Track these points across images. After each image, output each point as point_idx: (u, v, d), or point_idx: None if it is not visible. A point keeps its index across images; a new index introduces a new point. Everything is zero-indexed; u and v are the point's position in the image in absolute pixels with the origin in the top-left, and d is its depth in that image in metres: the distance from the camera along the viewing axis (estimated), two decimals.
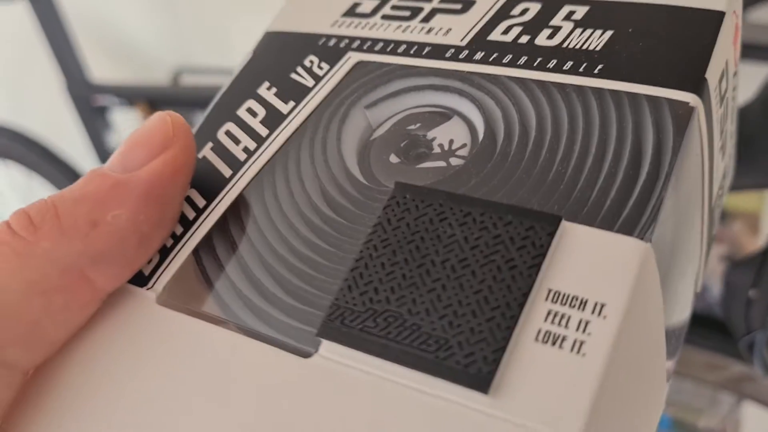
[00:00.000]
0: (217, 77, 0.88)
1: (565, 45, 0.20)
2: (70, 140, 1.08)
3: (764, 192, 0.70)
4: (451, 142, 0.19)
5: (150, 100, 0.87)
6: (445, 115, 0.20)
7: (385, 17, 0.23)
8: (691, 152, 0.18)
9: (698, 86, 0.18)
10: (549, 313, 0.15)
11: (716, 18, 0.19)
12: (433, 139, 0.19)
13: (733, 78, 0.22)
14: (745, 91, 0.40)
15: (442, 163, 0.18)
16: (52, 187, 1.01)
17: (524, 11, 0.21)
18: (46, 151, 1.00)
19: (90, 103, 0.91)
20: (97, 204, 0.17)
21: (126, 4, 1.07)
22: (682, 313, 0.20)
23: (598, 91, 0.18)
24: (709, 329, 0.54)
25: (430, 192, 0.17)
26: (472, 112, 0.19)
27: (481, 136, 0.19)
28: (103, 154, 0.95)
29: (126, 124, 0.98)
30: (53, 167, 1.00)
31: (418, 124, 0.20)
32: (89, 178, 0.18)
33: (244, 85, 0.22)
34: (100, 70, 1.01)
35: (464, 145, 0.19)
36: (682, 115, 0.17)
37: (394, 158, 0.19)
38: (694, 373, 0.58)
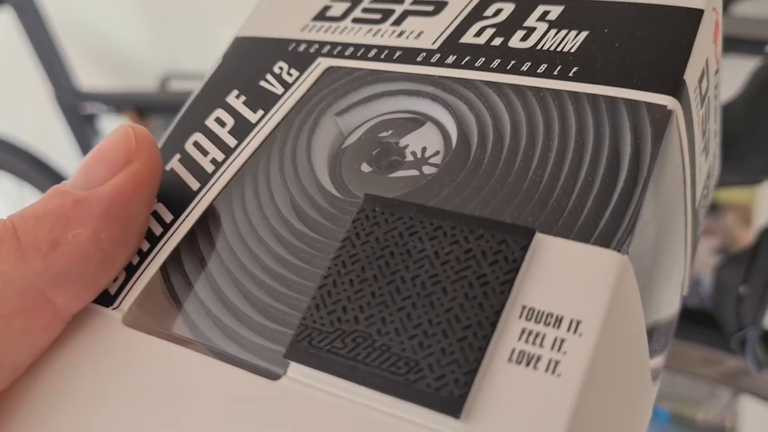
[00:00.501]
0: None
1: (539, 47, 0.19)
2: (59, 149, 1.08)
3: (752, 188, 0.69)
4: (423, 149, 0.18)
5: (138, 106, 0.86)
6: (417, 121, 0.19)
7: (355, 20, 0.22)
8: (670, 157, 0.17)
9: (676, 88, 0.17)
10: (523, 332, 0.14)
11: (694, 16, 0.18)
12: (406, 146, 0.18)
13: (715, 76, 0.21)
14: (730, 86, 0.40)
15: (414, 172, 0.18)
16: None
17: (498, 12, 0.21)
18: (37, 160, 0.99)
19: (78, 111, 0.91)
20: (57, 223, 0.17)
21: (113, 10, 1.06)
22: (669, 309, 0.20)
23: (575, 95, 0.18)
24: (703, 324, 0.54)
25: (400, 204, 0.17)
26: (445, 118, 0.19)
27: (454, 142, 0.18)
28: None
29: None
30: (44, 176, 0.99)
31: (390, 131, 0.19)
32: (50, 196, 0.17)
33: (213, 93, 0.22)
34: (87, 77, 1.00)
35: (437, 153, 0.18)
36: (660, 119, 0.17)
37: (366, 167, 0.18)
38: (690, 368, 0.58)
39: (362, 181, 0.18)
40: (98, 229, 0.17)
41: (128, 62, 1.11)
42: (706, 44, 0.19)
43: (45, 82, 0.90)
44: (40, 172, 0.99)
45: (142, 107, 0.86)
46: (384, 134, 0.19)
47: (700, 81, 0.19)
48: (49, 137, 1.10)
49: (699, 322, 0.54)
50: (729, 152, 0.39)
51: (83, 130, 0.92)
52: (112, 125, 0.97)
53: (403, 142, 0.19)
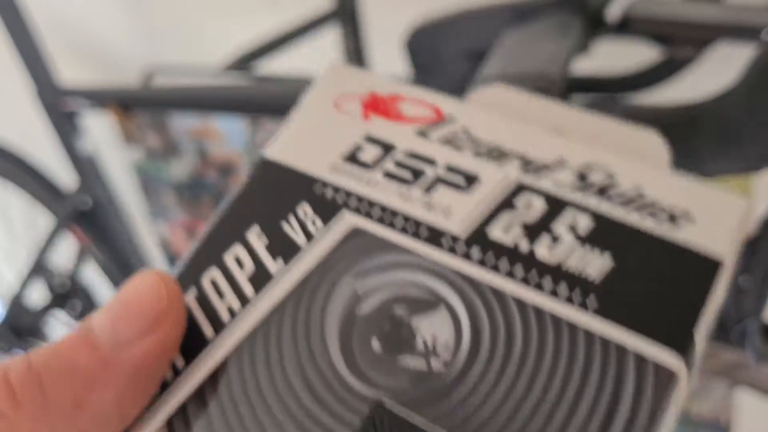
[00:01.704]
0: (190, 77, 0.86)
1: (564, 268, 0.19)
2: (41, 146, 1.06)
3: (749, 176, 0.69)
4: (434, 339, 0.19)
5: (122, 102, 0.85)
6: (432, 303, 0.19)
7: (386, 175, 0.22)
8: (666, 418, 0.17)
9: (684, 347, 0.18)
10: None
11: (713, 269, 0.19)
12: (417, 330, 0.19)
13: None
14: (728, 74, 0.40)
15: (422, 362, 0.18)
16: (28, 195, 0.99)
17: (528, 205, 0.20)
18: (18, 159, 0.98)
19: (60, 108, 0.89)
20: (84, 382, 0.17)
21: (95, 4, 1.05)
22: None
23: (589, 335, 0.18)
24: None
25: (406, 425, 0.17)
26: (461, 311, 0.19)
27: (464, 342, 0.18)
28: (76, 159, 0.93)
29: (98, 128, 0.96)
30: (26, 174, 0.98)
31: (403, 306, 0.19)
32: (77, 348, 0.17)
33: (234, 223, 0.22)
34: (69, 73, 0.98)
35: (446, 345, 0.18)
36: (664, 382, 0.17)
37: (376, 343, 0.19)
38: None
39: (372, 362, 0.19)
40: (124, 393, 0.17)
41: (111, 57, 1.10)
42: (719, 295, 0.19)
43: (26, 79, 0.89)
44: (22, 170, 0.98)
45: (126, 103, 0.85)
46: (398, 308, 0.19)
47: (707, 335, 0.19)
48: (31, 134, 1.08)
49: None
50: (728, 140, 0.38)
51: (65, 126, 0.91)
52: (94, 121, 0.95)
53: (414, 323, 0.19)
